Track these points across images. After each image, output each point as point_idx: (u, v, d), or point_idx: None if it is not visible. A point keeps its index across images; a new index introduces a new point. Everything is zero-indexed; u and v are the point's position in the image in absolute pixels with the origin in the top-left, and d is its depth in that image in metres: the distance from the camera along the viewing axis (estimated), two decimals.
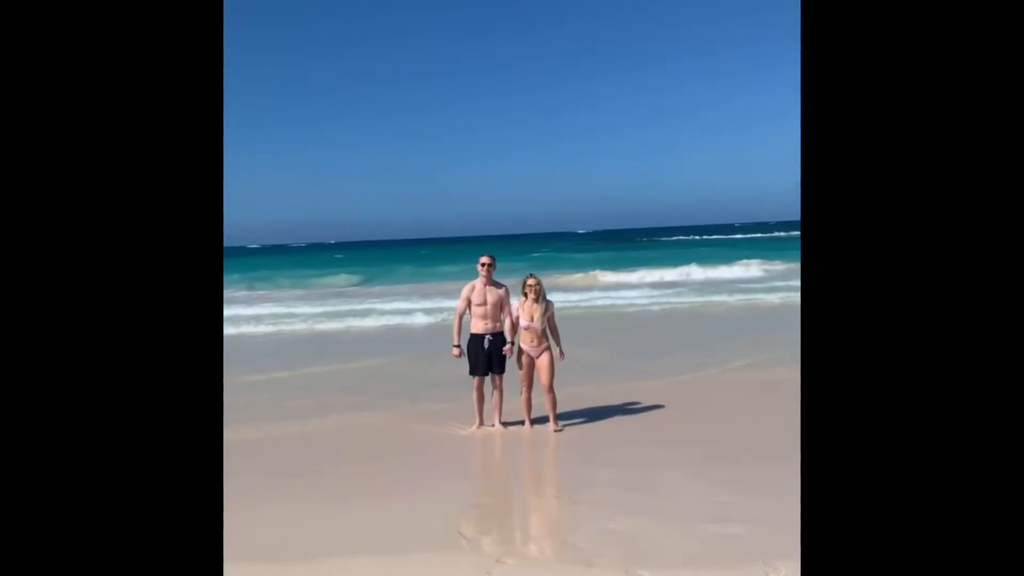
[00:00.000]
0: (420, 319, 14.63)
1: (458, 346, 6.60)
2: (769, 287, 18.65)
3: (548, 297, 6.52)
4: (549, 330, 6.47)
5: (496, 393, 6.51)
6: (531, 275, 6.48)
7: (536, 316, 6.32)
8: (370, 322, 14.64)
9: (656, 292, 19.03)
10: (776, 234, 68.82)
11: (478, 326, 6.49)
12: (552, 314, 6.47)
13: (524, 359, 6.42)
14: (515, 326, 6.48)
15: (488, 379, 6.51)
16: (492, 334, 6.47)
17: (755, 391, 7.72)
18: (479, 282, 6.50)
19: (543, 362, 6.38)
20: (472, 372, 6.50)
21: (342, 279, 28.57)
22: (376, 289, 24.47)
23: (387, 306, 16.41)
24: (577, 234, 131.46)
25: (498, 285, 6.54)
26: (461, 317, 6.61)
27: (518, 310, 6.44)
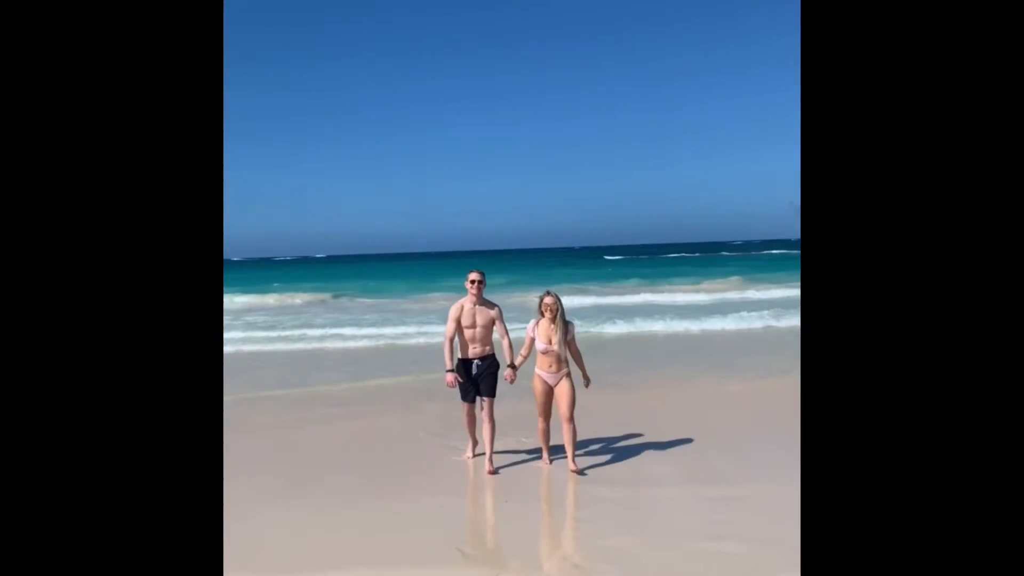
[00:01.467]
0: (413, 337, 14.56)
1: (452, 371, 5.80)
2: (766, 308, 18.68)
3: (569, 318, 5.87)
4: (570, 354, 5.83)
5: (487, 425, 5.84)
6: (548, 292, 5.80)
7: (554, 339, 5.68)
8: (366, 340, 14.57)
9: (657, 310, 19.03)
10: (772, 251, 69.05)
11: (466, 350, 5.88)
12: (573, 336, 5.83)
13: (540, 386, 5.79)
14: (529, 347, 5.85)
15: (478, 405, 5.96)
16: (481, 359, 5.88)
17: (753, 410, 7.74)
18: (468, 301, 5.84)
19: (562, 390, 5.75)
20: (463, 398, 5.99)
21: (330, 294, 28.40)
22: (367, 303, 24.38)
23: (384, 330, 16.08)
24: (573, 249, 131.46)
25: (490, 305, 5.92)
26: (452, 340, 5.83)
27: (533, 330, 5.80)
